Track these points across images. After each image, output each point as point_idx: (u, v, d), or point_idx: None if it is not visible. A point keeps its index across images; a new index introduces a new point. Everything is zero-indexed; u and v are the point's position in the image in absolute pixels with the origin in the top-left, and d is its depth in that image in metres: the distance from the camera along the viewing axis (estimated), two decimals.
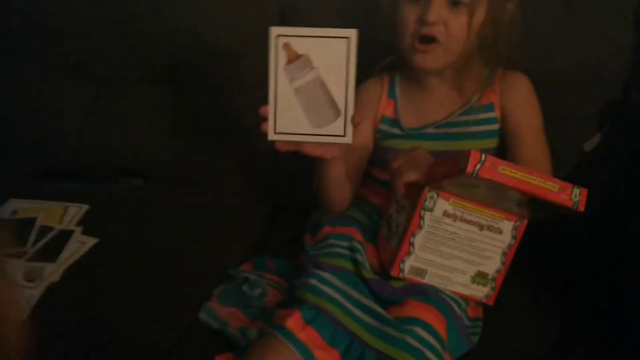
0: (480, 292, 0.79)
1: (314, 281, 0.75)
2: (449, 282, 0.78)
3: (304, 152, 0.78)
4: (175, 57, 1.12)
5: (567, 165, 1.00)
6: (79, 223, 1.00)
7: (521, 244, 0.78)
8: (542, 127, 0.90)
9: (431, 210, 0.75)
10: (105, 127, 1.18)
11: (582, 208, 0.68)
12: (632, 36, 0.98)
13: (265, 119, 0.77)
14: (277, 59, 0.75)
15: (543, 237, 0.98)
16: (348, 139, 0.77)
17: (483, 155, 0.64)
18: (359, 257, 0.79)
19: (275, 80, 0.75)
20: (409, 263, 0.77)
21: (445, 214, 0.75)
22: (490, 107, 0.91)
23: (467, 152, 0.64)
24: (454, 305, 0.77)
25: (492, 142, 0.90)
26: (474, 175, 0.64)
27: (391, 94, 0.96)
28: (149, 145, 1.16)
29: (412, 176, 0.74)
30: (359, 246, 0.81)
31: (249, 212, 1.10)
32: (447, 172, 0.70)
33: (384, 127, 0.94)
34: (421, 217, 0.75)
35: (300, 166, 0.90)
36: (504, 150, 0.89)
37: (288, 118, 0.76)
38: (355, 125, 0.76)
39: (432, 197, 0.74)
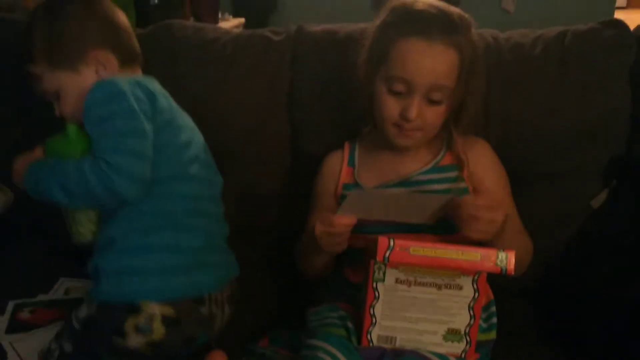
0: (457, 348, 0.79)
1: (307, 352, 0.78)
2: (421, 344, 0.79)
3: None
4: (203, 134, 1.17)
5: (575, 222, 1.02)
6: None
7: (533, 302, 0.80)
8: (510, 192, 0.96)
9: (383, 280, 0.76)
10: None
11: (511, 271, 0.69)
12: (630, 92, 1.01)
13: None
14: None
15: (555, 292, 0.99)
16: None
17: (391, 241, 0.68)
18: (349, 324, 0.82)
19: None
20: (375, 333, 0.79)
21: (398, 281, 0.76)
22: (454, 167, 0.94)
23: (376, 239, 0.68)
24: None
25: None
26: (385, 262, 0.68)
27: (351, 162, 1.01)
28: None
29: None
30: (345, 314, 0.84)
31: (265, 283, 1.11)
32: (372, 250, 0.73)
33: (346, 192, 0.99)
34: (374, 289, 0.77)
35: None
36: None
37: None
38: None
39: (380, 268, 0.76)
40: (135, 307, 0.82)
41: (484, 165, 0.94)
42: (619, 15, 3.25)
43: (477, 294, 0.77)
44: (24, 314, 1.00)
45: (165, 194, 0.87)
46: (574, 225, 1.02)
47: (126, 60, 0.95)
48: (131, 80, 0.89)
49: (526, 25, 1.13)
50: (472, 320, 0.78)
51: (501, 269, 0.69)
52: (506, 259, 0.69)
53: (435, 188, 0.93)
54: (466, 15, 0.90)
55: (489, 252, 0.69)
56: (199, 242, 0.89)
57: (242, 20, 2.97)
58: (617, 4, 3.30)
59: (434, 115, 0.89)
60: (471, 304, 0.77)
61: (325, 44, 1.14)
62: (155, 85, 0.94)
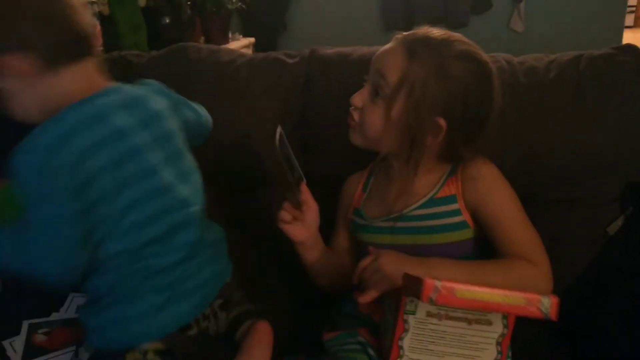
0: None
1: None
2: None
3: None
4: (218, 155, 1.18)
5: (591, 249, 1.01)
6: None
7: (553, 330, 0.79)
8: (521, 210, 0.89)
9: (414, 313, 0.76)
10: None
11: (554, 317, 0.68)
12: None
13: None
14: None
15: (572, 317, 0.98)
16: None
17: (438, 283, 0.67)
18: (370, 351, 0.83)
19: None
20: None
21: (429, 314, 0.76)
22: (452, 199, 0.90)
23: (421, 280, 0.67)
24: None
25: (464, 234, 0.90)
26: (431, 304, 0.67)
27: (365, 187, 1.01)
28: None
29: (373, 294, 0.82)
30: (365, 341, 0.85)
31: (280, 307, 1.10)
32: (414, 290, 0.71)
33: (355, 218, 0.99)
34: (405, 321, 0.76)
35: None
36: (486, 240, 0.89)
37: None
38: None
39: (412, 301, 0.75)
40: (124, 352, 0.83)
41: (479, 190, 0.89)
42: (627, 34, 3.27)
43: (506, 330, 0.76)
44: (40, 337, 0.99)
45: (124, 266, 0.84)
46: (589, 252, 1.01)
47: (55, 58, 0.79)
48: (57, 138, 0.77)
49: (535, 45, 1.14)
50: (499, 355, 0.77)
51: (544, 315, 0.68)
52: (549, 305, 0.68)
53: (431, 224, 0.90)
54: (454, 46, 0.87)
55: (533, 298, 0.68)
56: (171, 277, 0.85)
57: (252, 40, 3.00)
58: (625, 24, 3.30)
59: (372, 113, 0.89)
60: (499, 340, 0.77)
61: (338, 66, 1.15)
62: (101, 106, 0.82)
